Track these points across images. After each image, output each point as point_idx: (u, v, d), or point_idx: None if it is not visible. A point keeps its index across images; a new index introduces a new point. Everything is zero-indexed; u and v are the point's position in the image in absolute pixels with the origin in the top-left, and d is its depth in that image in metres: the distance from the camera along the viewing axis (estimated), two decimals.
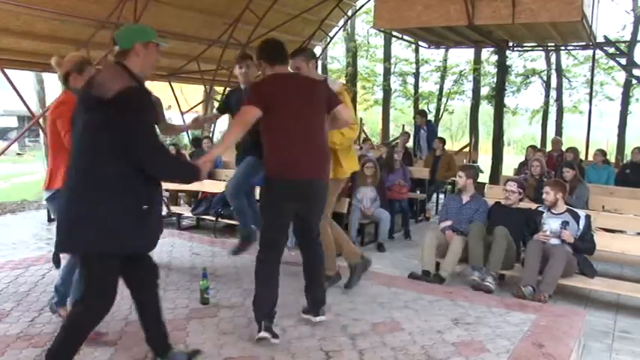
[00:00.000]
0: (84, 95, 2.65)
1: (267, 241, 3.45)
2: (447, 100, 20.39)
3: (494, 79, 17.33)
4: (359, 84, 20.13)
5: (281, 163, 3.34)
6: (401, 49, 19.90)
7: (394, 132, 20.09)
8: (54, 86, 11.62)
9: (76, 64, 3.39)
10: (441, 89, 20.29)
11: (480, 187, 6.87)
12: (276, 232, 3.46)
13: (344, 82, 4.79)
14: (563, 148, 9.56)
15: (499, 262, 5.08)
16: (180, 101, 12.72)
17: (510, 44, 12.12)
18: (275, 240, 3.46)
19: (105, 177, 2.55)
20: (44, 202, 8.57)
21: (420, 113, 12.14)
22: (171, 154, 2.87)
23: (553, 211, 5.20)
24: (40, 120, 10.07)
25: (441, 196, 9.92)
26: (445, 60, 19.64)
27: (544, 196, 5.25)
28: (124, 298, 3.97)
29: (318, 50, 15.12)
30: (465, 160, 11.37)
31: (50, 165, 3.50)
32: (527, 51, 15.40)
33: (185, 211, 8.05)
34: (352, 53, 19.61)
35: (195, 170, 2.88)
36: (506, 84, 17.38)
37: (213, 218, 7.40)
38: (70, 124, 2.89)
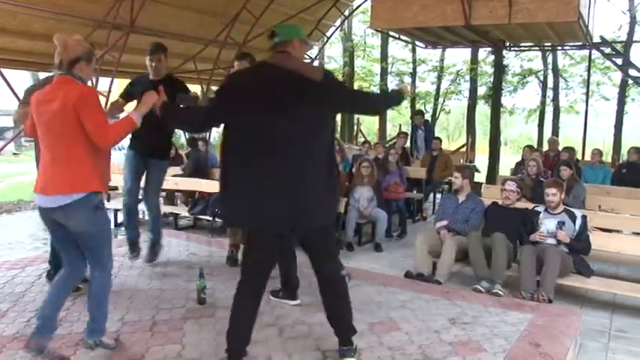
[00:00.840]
0: (292, 87, 2.77)
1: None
2: (443, 100, 20.42)
3: (491, 79, 17.36)
4: (356, 84, 20.15)
5: None
6: (398, 48, 19.94)
7: (391, 132, 20.12)
8: None
9: (87, 52, 3.02)
10: (438, 89, 20.32)
11: (476, 187, 6.89)
12: None
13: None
14: (560, 148, 9.59)
15: (502, 269, 5.02)
16: None
17: (507, 44, 12.15)
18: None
19: (327, 152, 2.95)
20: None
21: (418, 113, 12.19)
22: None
23: (550, 211, 5.20)
24: None
25: (438, 195, 9.92)
26: (442, 60, 19.68)
27: (550, 197, 5.18)
28: (120, 298, 4.00)
29: (315, 50, 15.11)
30: (461, 160, 11.39)
31: (70, 164, 2.91)
32: (524, 51, 15.45)
33: (182, 210, 8.04)
34: (349, 53, 19.63)
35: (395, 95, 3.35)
36: (503, 84, 17.39)
37: (210, 218, 7.38)
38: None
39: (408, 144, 10.95)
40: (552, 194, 5.16)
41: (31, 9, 7.83)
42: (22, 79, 12.51)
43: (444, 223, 5.61)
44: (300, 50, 2.99)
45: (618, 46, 13.01)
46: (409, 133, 11.31)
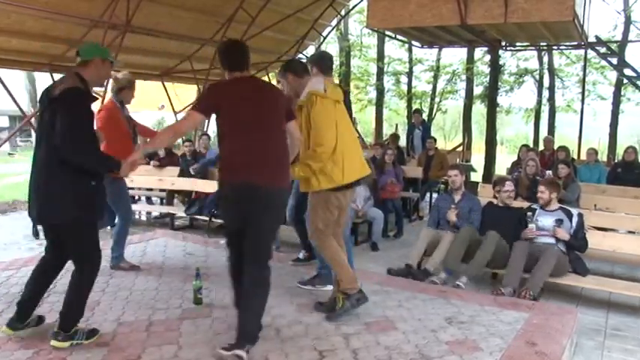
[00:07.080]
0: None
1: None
2: (440, 100, 20.45)
3: (487, 79, 17.39)
4: (352, 83, 20.18)
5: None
6: (394, 48, 19.97)
7: (387, 131, 20.16)
8: (45, 85, 11.55)
9: None
10: (434, 89, 20.35)
11: (473, 186, 6.88)
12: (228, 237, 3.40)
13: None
14: (555, 147, 9.62)
15: (480, 267, 5.05)
16: (173, 101, 12.69)
17: (503, 44, 12.17)
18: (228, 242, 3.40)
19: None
20: None
21: (417, 111, 12.27)
22: None
23: (546, 208, 5.21)
24: (32, 119, 9.99)
25: (434, 195, 9.94)
26: (438, 59, 19.71)
27: (539, 194, 5.25)
28: (116, 299, 3.99)
29: (311, 50, 15.12)
30: (457, 159, 11.42)
31: None
32: (520, 50, 15.46)
33: (178, 211, 8.02)
34: (345, 53, 19.63)
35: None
36: (499, 83, 17.43)
37: (207, 218, 7.37)
38: None
39: (403, 143, 10.97)
40: (541, 192, 5.26)
41: (25, 8, 7.80)
42: (17, 79, 12.45)
43: (455, 219, 5.52)
44: (99, 68, 3.25)
45: (613, 46, 13.05)
46: (400, 134, 11.42)
